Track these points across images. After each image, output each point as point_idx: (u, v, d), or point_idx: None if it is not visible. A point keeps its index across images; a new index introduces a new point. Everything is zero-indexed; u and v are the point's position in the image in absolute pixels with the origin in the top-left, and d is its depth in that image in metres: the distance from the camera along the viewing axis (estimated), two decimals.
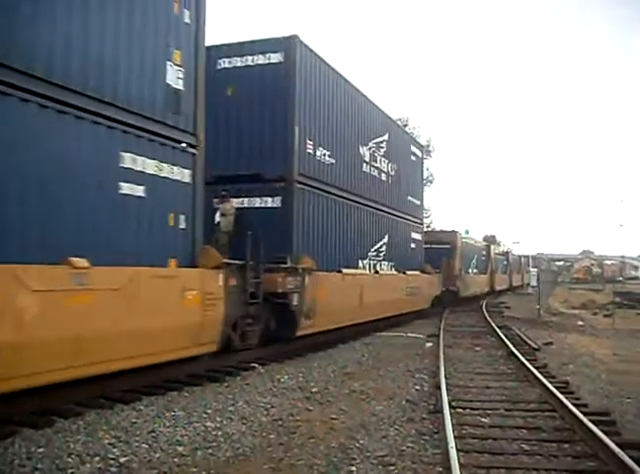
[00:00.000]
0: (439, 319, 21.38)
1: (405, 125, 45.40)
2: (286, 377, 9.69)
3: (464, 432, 6.64)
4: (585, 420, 6.62)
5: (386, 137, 18.17)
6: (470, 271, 33.41)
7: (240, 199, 12.05)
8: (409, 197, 21.17)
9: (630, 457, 5.29)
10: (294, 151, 12.00)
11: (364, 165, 16.30)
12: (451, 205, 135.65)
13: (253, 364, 10.42)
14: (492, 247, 42.03)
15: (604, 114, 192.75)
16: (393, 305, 18.22)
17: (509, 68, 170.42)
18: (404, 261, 19.91)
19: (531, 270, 51.41)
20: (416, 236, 21.99)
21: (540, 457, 5.87)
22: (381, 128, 17.78)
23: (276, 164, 11.97)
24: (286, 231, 11.89)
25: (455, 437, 6.06)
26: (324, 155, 13.46)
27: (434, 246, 26.32)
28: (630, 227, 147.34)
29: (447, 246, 28.63)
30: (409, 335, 16.73)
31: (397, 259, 19.04)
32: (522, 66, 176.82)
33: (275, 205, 12.03)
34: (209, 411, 7.32)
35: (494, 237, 78.84)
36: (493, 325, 18.99)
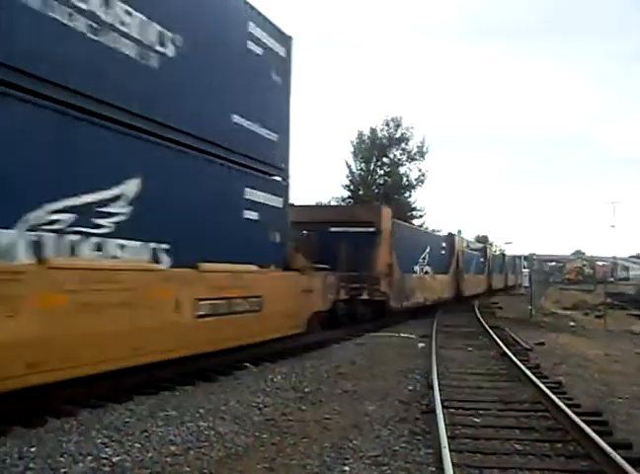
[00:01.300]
0: (431, 321, 21.42)
1: (398, 126, 44.85)
2: (279, 377, 9.68)
3: (457, 432, 6.65)
4: (577, 420, 6.66)
5: None
6: (417, 268, 23.13)
7: None
8: (240, 119, 10.68)
9: (622, 457, 5.33)
10: None
11: None
12: (445, 207, 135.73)
13: (245, 364, 10.40)
14: (457, 239, 31.57)
15: (592, 113, 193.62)
16: (126, 345, 7.58)
17: (503, 69, 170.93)
18: (214, 244, 9.70)
19: (524, 271, 51.21)
20: (264, 199, 11.58)
21: (533, 457, 5.89)
22: None
23: None
24: None
25: (448, 437, 6.08)
26: None
27: (344, 229, 17.76)
28: (622, 228, 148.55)
29: (369, 229, 18.49)
30: (402, 335, 16.74)
31: (184, 240, 8.93)
32: (518, 65, 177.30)
33: None
34: (202, 410, 7.30)
35: (486, 237, 79.26)
36: (485, 325, 19.04)
